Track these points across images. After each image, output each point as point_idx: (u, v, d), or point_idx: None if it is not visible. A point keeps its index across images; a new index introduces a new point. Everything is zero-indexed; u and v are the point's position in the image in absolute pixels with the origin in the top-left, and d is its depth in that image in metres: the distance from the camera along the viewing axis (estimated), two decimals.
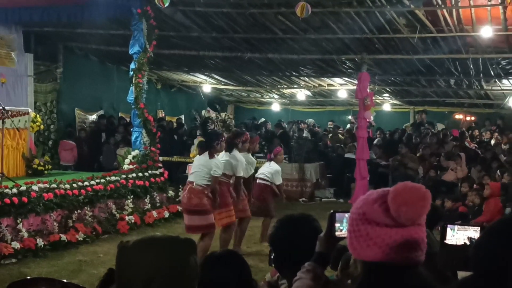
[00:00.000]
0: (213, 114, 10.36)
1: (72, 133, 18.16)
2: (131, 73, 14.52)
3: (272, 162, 11.78)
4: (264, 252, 9.26)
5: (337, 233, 2.73)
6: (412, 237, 2.21)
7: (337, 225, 2.72)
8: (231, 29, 15.95)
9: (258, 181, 11.62)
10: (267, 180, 11.58)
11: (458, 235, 3.08)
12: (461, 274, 2.75)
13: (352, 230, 2.29)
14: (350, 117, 26.47)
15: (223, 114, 10.51)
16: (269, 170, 11.66)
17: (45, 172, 13.80)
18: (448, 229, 3.06)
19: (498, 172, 14.67)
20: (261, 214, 11.48)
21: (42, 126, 14.85)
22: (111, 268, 2.62)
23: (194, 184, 9.33)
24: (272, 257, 3.63)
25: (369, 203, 2.24)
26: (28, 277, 5.89)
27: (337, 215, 2.73)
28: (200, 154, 9.64)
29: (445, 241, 3.08)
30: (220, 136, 9.89)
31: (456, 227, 3.05)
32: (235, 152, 10.05)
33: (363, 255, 2.27)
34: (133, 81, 14.39)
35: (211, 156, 9.43)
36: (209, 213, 9.29)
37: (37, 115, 14.62)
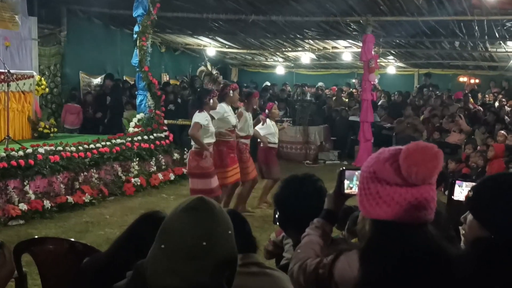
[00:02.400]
0: (203, 68, 10.42)
1: (76, 96, 18.13)
2: (135, 36, 14.50)
3: (268, 120, 11.39)
4: (269, 213, 9.31)
5: (346, 191, 2.74)
6: (422, 196, 2.20)
7: (346, 182, 2.73)
8: None
9: (261, 144, 11.34)
10: (269, 142, 11.29)
11: (465, 192, 3.09)
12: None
13: (362, 188, 2.29)
14: (354, 80, 26.43)
15: (209, 66, 10.30)
16: (267, 131, 11.33)
17: (51, 135, 13.82)
18: (456, 186, 3.08)
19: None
20: (263, 176, 11.30)
21: (47, 90, 14.86)
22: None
23: (193, 146, 9.25)
24: (276, 216, 3.67)
25: (380, 161, 2.23)
26: (36, 237, 5.97)
27: (347, 172, 2.74)
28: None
29: (452, 197, 3.10)
30: (211, 91, 9.60)
31: (464, 183, 3.05)
32: (223, 104, 9.68)
33: (372, 213, 2.26)
34: (137, 44, 14.37)
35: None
36: (209, 177, 9.10)
37: (42, 78, 14.60)
